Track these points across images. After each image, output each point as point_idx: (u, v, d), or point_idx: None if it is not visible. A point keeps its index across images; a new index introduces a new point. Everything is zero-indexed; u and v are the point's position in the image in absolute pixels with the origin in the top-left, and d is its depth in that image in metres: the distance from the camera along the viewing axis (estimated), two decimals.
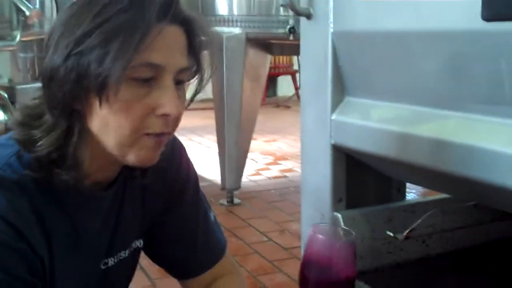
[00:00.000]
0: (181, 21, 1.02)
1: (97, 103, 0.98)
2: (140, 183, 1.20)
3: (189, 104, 1.10)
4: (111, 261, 1.19)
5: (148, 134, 1.01)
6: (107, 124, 1.00)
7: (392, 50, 1.41)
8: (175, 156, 1.27)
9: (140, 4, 0.96)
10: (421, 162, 1.38)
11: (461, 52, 1.23)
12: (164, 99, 0.99)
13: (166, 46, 0.99)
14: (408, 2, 1.33)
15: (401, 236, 1.51)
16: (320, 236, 1.00)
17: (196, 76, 1.09)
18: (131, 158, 1.03)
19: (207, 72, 1.10)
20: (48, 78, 0.99)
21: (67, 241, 1.08)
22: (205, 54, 1.09)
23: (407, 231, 1.50)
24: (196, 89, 1.12)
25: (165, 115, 1.00)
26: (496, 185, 1.19)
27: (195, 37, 1.05)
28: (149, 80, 0.99)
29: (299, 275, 1.03)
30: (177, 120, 1.04)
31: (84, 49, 0.95)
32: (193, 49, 1.06)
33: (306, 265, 1.01)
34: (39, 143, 1.01)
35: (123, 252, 1.21)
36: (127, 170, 1.15)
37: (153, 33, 0.96)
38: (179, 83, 1.04)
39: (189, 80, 1.08)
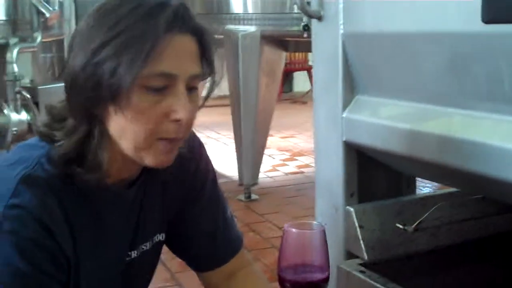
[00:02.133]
0: (191, 29, 1.08)
1: (113, 109, 1.05)
2: (160, 179, 1.26)
3: (201, 107, 1.16)
4: (134, 254, 1.24)
5: (161, 139, 1.07)
6: (124, 129, 1.06)
7: (399, 51, 1.46)
8: (195, 153, 1.32)
9: (150, 17, 1.02)
10: (428, 157, 1.43)
11: (464, 52, 1.29)
12: (177, 106, 1.05)
13: (178, 55, 1.05)
14: (413, 5, 1.39)
15: (410, 228, 1.57)
16: (293, 229, 1.06)
17: (209, 79, 1.16)
18: (147, 161, 1.09)
19: (218, 76, 1.16)
20: (69, 85, 1.07)
21: (92, 237, 1.14)
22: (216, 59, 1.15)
23: (416, 223, 1.56)
24: (208, 93, 1.18)
25: (177, 120, 1.06)
26: (499, 178, 1.25)
27: (205, 44, 1.11)
28: (162, 89, 1.04)
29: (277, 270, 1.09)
30: (189, 124, 1.09)
31: (99, 60, 1.01)
32: (205, 56, 1.11)
33: (282, 256, 1.07)
34: (60, 143, 1.08)
35: (145, 245, 1.27)
36: (148, 168, 1.22)
37: (163, 43, 1.02)
38: (192, 89, 1.09)
39: (201, 81, 1.14)
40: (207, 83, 1.18)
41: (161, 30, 1.01)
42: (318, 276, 1.06)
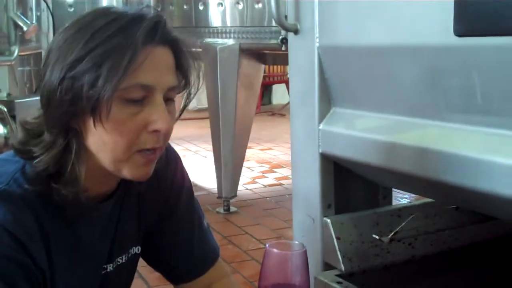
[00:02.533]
0: (168, 41, 1.09)
1: (92, 122, 1.05)
2: (136, 191, 1.26)
3: (178, 117, 1.17)
4: (110, 267, 1.25)
5: (140, 151, 1.08)
6: (103, 142, 1.07)
7: (374, 63, 1.48)
8: (170, 165, 1.33)
9: (127, 29, 1.03)
10: (404, 168, 1.45)
11: (437, 65, 1.31)
12: (155, 116, 1.06)
13: (155, 67, 1.06)
14: (388, 19, 1.41)
15: (386, 239, 1.58)
16: (274, 249, 1.07)
17: (184, 91, 1.17)
18: (127, 173, 1.10)
19: (194, 87, 1.17)
20: (46, 100, 1.07)
21: (67, 251, 1.14)
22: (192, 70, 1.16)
23: (392, 234, 1.57)
24: (185, 103, 1.19)
25: (156, 131, 1.07)
26: (473, 189, 1.27)
27: (182, 56, 1.12)
28: (140, 100, 1.06)
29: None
30: (167, 135, 1.11)
31: (77, 73, 1.02)
32: (181, 67, 1.13)
33: (263, 276, 1.08)
34: (37, 160, 1.07)
35: (121, 257, 1.27)
36: (125, 182, 1.22)
37: (141, 55, 1.03)
38: (169, 100, 1.11)
39: (177, 94, 1.15)
40: (184, 95, 1.19)
41: (139, 42, 1.02)
42: None
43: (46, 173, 1.07)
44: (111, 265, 1.25)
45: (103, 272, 1.24)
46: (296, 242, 1.11)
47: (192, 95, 1.18)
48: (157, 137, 1.08)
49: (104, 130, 1.05)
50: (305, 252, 1.07)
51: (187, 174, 1.39)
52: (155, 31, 1.06)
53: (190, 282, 1.39)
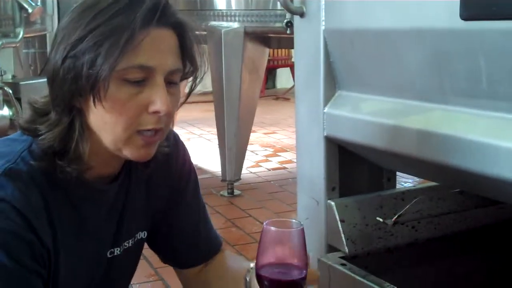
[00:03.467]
0: (172, 24, 1.10)
1: (92, 101, 1.06)
2: (144, 177, 1.28)
3: (184, 101, 1.18)
4: (117, 251, 1.26)
5: (140, 132, 1.09)
6: (103, 121, 1.08)
7: (380, 47, 1.48)
8: (179, 151, 1.35)
9: (129, 10, 1.04)
10: (408, 152, 1.45)
11: (443, 49, 1.31)
12: (155, 97, 1.07)
13: (156, 48, 1.07)
14: (395, 2, 1.41)
15: (390, 221, 1.59)
16: (272, 227, 1.07)
17: (190, 75, 1.17)
18: (127, 153, 1.11)
19: (200, 72, 1.18)
20: (51, 78, 1.09)
21: (72, 231, 1.16)
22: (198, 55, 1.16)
23: (396, 216, 1.58)
24: (191, 88, 1.19)
25: (156, 112, 1.07)
26: (477, 172, 1.27)
27: (187, 40, 1.13)
28: (141, 81, 1.07)
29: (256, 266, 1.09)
30: (169, 117, 1.11)
31: (78, 52, 1.04)
32: (185, 51, 1.13)
33: (260, 254, 1.08)
34: (42, 137, 1.09)
35: (127, 242, 1.28)
36: (131, 165, 1.23)
37: (140, 35, 1.04)
38: (172, 83, 1.11)
39: (184, 79, 1.16)
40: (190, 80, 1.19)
41: (138, 23, 1.03)
42: (296, 274, 1.07)
43: (51, 150, 1.09)
44: (119, 249, 1.26)
45: (110, 255, 1.25)
46: (294, 220, 1.11)
47: (198, 79, 1.18)
48: (157, 118, 1.09)
49: (103, 109, 1.06)
50: (303, 230, 1.07)
51: (193, 164, 1.41)
52: (155, 12, 1.06)
53: (195, 267, 1.40)
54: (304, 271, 1.07)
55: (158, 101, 1.07)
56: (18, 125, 1.15)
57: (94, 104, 1.06)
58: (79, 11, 1.07)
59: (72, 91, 1.06)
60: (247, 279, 1.18)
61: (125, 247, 1.28)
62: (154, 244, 1.40)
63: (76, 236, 1.16)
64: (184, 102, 1.19)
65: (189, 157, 1.38)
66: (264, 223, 1.07)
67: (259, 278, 1.08)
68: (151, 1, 1.07)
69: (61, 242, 1.12)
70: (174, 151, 1.30)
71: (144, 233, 1.33)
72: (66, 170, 1.09)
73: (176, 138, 1.33)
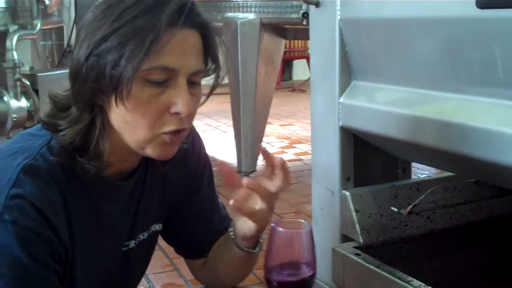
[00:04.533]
0: (196, 25, 1.08)
1: (114, 101, 1.06)
2: (160, 171, 1.27)
3: (205, 100, 1.17)
4: (132, 244, 1.26)
5: (165, 133, 1.08)
6: (126, 121, 1.08)
7: (395, 36, 1.48)
8: (195, 146, 1.34)
9: (154, 10, 1.03)
10: (424, 141, 1.45)
11: (458, 37, 1.31)
12: (177, 99, 1.06)
13: (180, 50, 1.05)
14: None
15: (404, 211, 1.59)
16: (280, 228, 1.07)
17: (213, 74, 1.16)
18: (150, 153, 1.11)
19: (222, 71, 1.16)
20: (74, 75, 1.08)
21: (89, 227, 1.16)
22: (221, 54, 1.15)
23: (410, 206, 1.58)
24: (213, 86, 1.17)
25: (178, 113, 1.07)
26: (493, 162, 1.27)
27: (211, 40, 1.11)
28: (163, 82, 1.06)
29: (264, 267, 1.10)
30: (191, 117, 1.10)
31: (102, 51, 1.03)
32: (210, 52, 1.12)
33: (269, 255, 1.08)
34: (63, 133, 1.09)
35: (142, 234, 1.28)
36: (148, 160, 1.23)
37: (165, 37, 1.03)
38: (194, 83, 1.10)
39: (205, 77, 1.15)
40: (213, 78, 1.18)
41: (164, 23, 1.02)
42: (305, 274, 1.08)
43: (72, 146, 1.08)
44: (133, 241, 1.26)
45: (125, 248, 1.25)
46: (302, 221, 1.11)
47: (220, 79, 1.17)
48: (179, 120, 1.08)
49: (125, 109, 1.06)
50: (311, 230, 1.08)
51: (208, 156, 1.40)
52: (180, 13, 1.05)
53: (204, 257, 1.41)
54: (313, 270, 1.08)
55: (180, 103, 1.06)
56: (38, 119, 1.15)
57: (116, 104, 1.06)
58: (103, 8, 1.06)
59: (94, 89, 1.06)
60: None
61: (139, 240, 1.28)
62: (169, 235, 1.40)
63: (93, 232, 1.17)
64: (205, 101, 1.18)
65: (205, 149, 1.38)
66: (272, 224, 1.08)
67: (269, 279, 1.09)
68: (177, 2, 1.05)
69: (78, 239, 1.12)
70: (191, 147, 1.30)
71: (160, 225, 1.33)
72: (86, 167, 1.09)
73: (192, 130, 1.32)
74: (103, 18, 1.04)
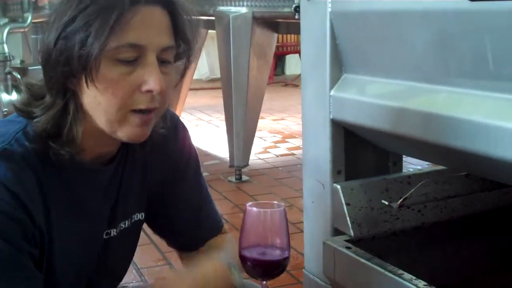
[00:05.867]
0: (163, 3, 1.09)
1: (85, 82, 1.06)
2: (141, 158, 1.27)
3: (179, 81, 1.18)
4: (113, 232, 1.26)
5: (135, 111, 1.08)
6: (97, 102, 1.08)
7: (386, 29, 1.48)
8: (178, 135, 1.34)
9: None
10: (414, 134, 1.45)
11: (449, 30, 1.30)
12: (148, 76, 1.07)
13: (146, 26, 1.06)
14: None
15: (395, 205, 1.59)
16: (254, 208, 1.09)
17: (185, 56, 1.16)
18: (121, 134, 1.11)
19: (193, 51, 1.17)
20: (45, 60, 1.08)
21: (67, 212, 1.16)
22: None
23: (401, 200, 1.58)
24: (185, 67, 1.18)
25: (149, 91, 1.07)
26: (483, 154, 1.27)
27: (179, 18, 1.12)
28: (133, 61, 1.06)
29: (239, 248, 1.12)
30: (163, 95, 1.10)
31: (69, 33, 1.04)
32: (178, 29, 1.12)
33: (243, 234, 1.10)
34: (37, 120, 1.09)
35: (123, 222, 1.28)
36: (127, 145, 1.23)
37: (129, 14, 1.04)
38: (165, 62, 1.11)
39: (178, 59, 1.15)
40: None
41: (127, 1, 1.04)
42: (279, 254, 1.09)
43: (45, 133, 1.09)
44: (115, 230, 1.26)
45: (106, 236, 1.25)
46: (275, 202, 1.12)
47: (191, 58, 1.17)
48: (150, 97, 1.08)
49: (97, 90, 1.06)
50: (284, 210, 1.09)
51: (194, 146, 1.40)
52: None
53: (196, 250, 1.41)
54: (287, 251, 1.09)
55: (151, 80, 1.07)
56: (14, 107, 1.16)
57: (87, 85, 1.06)
58: None
59: (65, 72, 1.06)
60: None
61: (121, 228, 1.28)
62: (156, 226, 1.41)
63: (71, 217, 1.17)
64: (179, 81, 1.20)
65: (189, 138, 1.38)
66: (247, 205, 1.09)
67: (243, 259, 1.10)
68: None
69: (56, 223, 1.13)
70: (173, 133, 1.30)
71: (142, 214, 1.33)
72: (60, 153, 1.10)
73: (174, 119, 1.32)
74: (69, 1, 1.05)
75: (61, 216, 1.14)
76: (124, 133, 1.10)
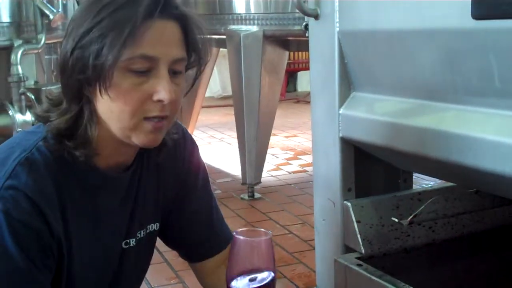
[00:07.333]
0: (175, 16, 1.15)
1: (99, 91, 1.12)
2: (154, 162, 1.32)
3: (189, 90, 1.24)
4: (132, 242, 1.30)
5: (147, 119, 1.13)
6: (110, 110, 1.14)
7: (394, 48, 1.49)
8: (187, 144, 1.40)
9: (131, 4, 1.10)
10: (423, 152, 1.46)
11: (455, 48, 1.31)
12: (159, 86, 1.12)
13: (158, 39, 1.12)
14: (407, 2, 1.41)
15: (406, 222, 1.59)
16: (241, 236, 1.11)
17: (196, 65, 1.22)
18: (135, 140, 1.16)
19: (203, 61, 1.22)
20: (62, 68, 1.15)
21: (86, 220, 1.20)
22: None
23: (411, 216, 1.58)
24: (195, 76, 1.24)
25: (160, 101, 1.12)
26: (492, 171, 1.27)
27: (190, 31, 1.17)
28: (145, 71, 1.11)
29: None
30: (173, 105, 1.16)
31: (85, 43, 1.10)
32: (190, 41, 1.18)
33: (230, 264, 1.11)
34: (52, 123, 1.15)
35: (139, 232, 1.32)
36: (144, 152, 1.28)
37: (142, 27, 1.09)
38: (176, 73, 1.16)
39: (189, 69, 1.21)
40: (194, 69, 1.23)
41: (140, 15, 1.09)
42: (266, 279, 1.10)
43: (60, 133, 1.15)
44: (134, 239, 1.30)
45: (125, 246, 1.29)
46: (262, 229, 1.14)
47: (202, 67, 1.23)
48: (161, 106, 1.13)
49: (109, 98, 1.11)
50: (270, 239, 1.11)
51: (202, 159, 1.45)
52: (156, 6, 1.11)
53: (208, 259, 1.43)
54: (273, 274, 1.11)
55: (162, 90, 1.12)
56: (34, 114, 1.24)
57: (101, 94, 1.11)
58: (87, 4, 1.14)
59: (80, 80, 1.12)
60: None
61: (138, 238, 1.32)
62: (167, 237, 1.44)
63: (90, 225, 1.21)
64: (190, 90, 1.26)
65: (198, 151, 1.43)
66: (234, 233, 1.11)
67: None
68: None
69: (74, 231, 1.17)
70: (181, 140, 1.36)
71: (157, 225, 1.37)
72: (74, 153, 1.14)
73: (184, 131, 1.39)
74: (86, 14, 1.12)
75: (80, 224, 1.18)
76: (138, 139, 1.15)
